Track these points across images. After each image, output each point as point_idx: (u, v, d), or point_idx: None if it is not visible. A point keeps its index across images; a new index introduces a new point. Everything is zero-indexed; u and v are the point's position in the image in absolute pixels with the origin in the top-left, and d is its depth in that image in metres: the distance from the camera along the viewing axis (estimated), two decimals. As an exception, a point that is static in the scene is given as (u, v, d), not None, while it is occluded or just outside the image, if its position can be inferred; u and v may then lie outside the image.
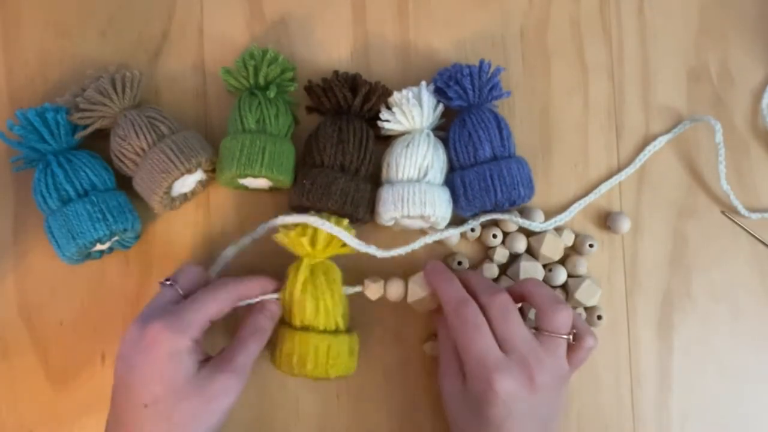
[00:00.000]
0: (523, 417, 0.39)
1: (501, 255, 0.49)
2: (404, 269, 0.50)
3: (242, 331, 0.43)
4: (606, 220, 0.51)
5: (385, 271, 0.50)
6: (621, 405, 0.50)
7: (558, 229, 0.50)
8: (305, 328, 0.44)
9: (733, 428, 0.51)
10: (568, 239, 0.50)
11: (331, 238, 0.45)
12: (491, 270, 0.49)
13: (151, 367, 0.38)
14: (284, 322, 0.45)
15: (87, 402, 0.47)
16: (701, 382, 0.51)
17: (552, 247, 0.49)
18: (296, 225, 0.45)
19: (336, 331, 0.45)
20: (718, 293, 0.52)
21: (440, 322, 0.45)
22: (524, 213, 0.50)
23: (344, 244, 0.45)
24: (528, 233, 0.50)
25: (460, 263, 0.49)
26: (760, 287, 0.52)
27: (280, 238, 0.45)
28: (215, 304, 0.41)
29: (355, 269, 0.49)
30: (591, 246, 0.49)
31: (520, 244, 0.49)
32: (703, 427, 0.50)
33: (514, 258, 0.50)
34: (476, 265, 0.50)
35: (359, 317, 0.48)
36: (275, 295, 0.46)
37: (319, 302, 0.44)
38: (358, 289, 0.47)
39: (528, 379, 0.39)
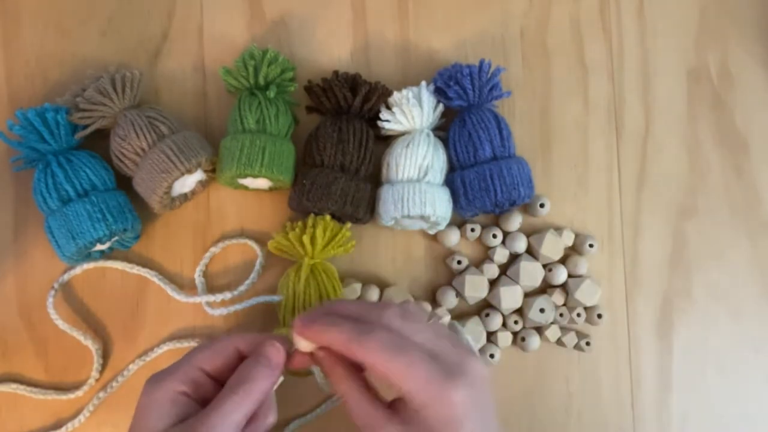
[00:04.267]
0: (481, 408, 0.34)
1: (501, 255, 0.49)
2: (401, 273, 0.50)
3: (227, 385, 0.34)
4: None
5: (380, 275, 0.50)
6: (621, 405, 0.50)
7: (558, 229, 0.50)
8: None
9: (733, 428, 0.51)
10: (568, 239, 0.50)
11: (330, 238, 0.45)
12: (491, 270, 0.49)
13: (134, 416, 0.34)
14: (286, 324, 0.45)
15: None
16: (701, 382, 0.51)
17: (552, 247, 0.49)
18: (294, 227, 0.46)
19: None
20: (718, 293, 0.52)
21: (337, 374, 0.35)
22: (530, 201, 0.50)
23: (341, 245, 0.46)
24: (528, 233, 0.50)
25: (459, 263, 0.49)
26: (760, 287, 0.52)
27: (278, 241, 0.45)
28: (207, 354, 0.35)
29: (349, 273, 0.50)
30: (591, 246, 0.49)
31: (521, 244, 0.49)
32: (703, 427, 0.50)
33: (514, 258, 0.50)
34: (476, 265, 0.50)
35: (359, 317, 0.48)
36: (277, 297, 0.46)
37: (324, 298, 0.45)
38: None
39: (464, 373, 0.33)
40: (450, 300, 0.48)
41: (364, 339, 0.33)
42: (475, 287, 0.48)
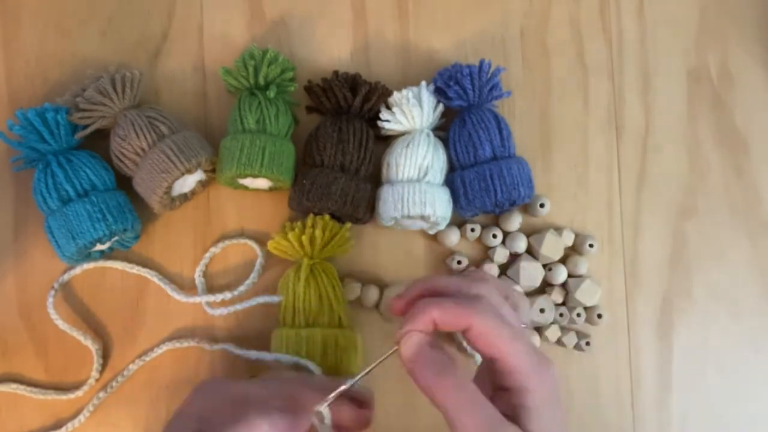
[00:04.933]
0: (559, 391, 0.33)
1: (501, 255, 0.49)
2: (401, 273, 0.50)
3: None
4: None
5: (380, 275, 0.50)
6: (621, 405, 0.50)
7: (558, 229, 0.50)
8: (310, 325, 0.44)
9: (733, 428, 0.51)
10: (568, 239, 0.50)
11: (329, 238, 0.45)
12: (491, 270, 0.49)
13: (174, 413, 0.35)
14: (286, 325, 0.45)
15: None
16: (701, 382, 0.51)
17: (552, 247, 0.49)
18: (294, 228, 0.46)
19: (340, 326, 0.45)
20: (718, 293, 0.52)
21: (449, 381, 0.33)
22: (531, 201, 0.50)
23: (341, 245, 0.46)
24: (528, 233, 0.50)
25: (459, 263, 0.49)
26: (760, 287, 0.52)
27: (278, 241, 0.45)
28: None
29: (349, 273, 0.50)
30: (591, 246, 0.49)
31: (521, 244, 0.49)
32: (703, 427, 0.50)
33: (514, 258, 0.50)
34: (476, 265, 0.50)
35: (359, 318, 0.48)
36: (277, 297, 0.46)
37: (323, 298, 0.45)
38: None
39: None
40: None
41: (474, 304, 0.33)
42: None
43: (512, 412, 0.32)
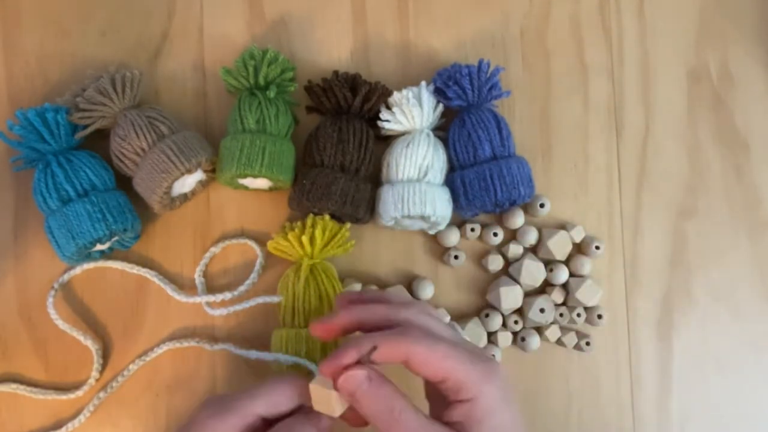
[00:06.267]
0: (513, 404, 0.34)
1: (513, 251, 0.49)
2: (401, 273, 0.50)
3: None
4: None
5: (380, 275, 0.50)
6: (621, 405, 0.50)
7: (561, 227, 0.50)
8: None
9: (733, 428, 0.51)
10: (578, 236, 0.50)
11: (329, 238, 0.45)
12: (496, 262, 0.49)
13: None
14: (286, 325, 0.45)
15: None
16: (701, 382, 0.51)
17: (560, 244, 0.48)
18: (294, 228, 0.46)
19: None
20: (718, 293, 0.52)
21: (387, 392, 0.35)
22: (531, 201, 0.50)
23: (341, 245, 0.46)
24: (539, 227, 0.50)
25: (456, 257, 0.49)
26: (760, 287, 0.52)
27: (278, 241, 0.45)
28: (268, 400, 0.35)
29: (349, 273, 0.50)
30: (597, 248, 0.49)
31: (531, 238, 0.49)
32: (703, 427, 0.50)
33: (515, 257, 0.50)
34: (477, 262, 0.50)
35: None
36: (277, 297, 0.46)
37: (323, 298, 0.45)
38: None
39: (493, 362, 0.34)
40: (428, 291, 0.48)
41: (405, 333, 0.33)
42: (532, 274, 0.48)
43: (465, 422, 0.33)
